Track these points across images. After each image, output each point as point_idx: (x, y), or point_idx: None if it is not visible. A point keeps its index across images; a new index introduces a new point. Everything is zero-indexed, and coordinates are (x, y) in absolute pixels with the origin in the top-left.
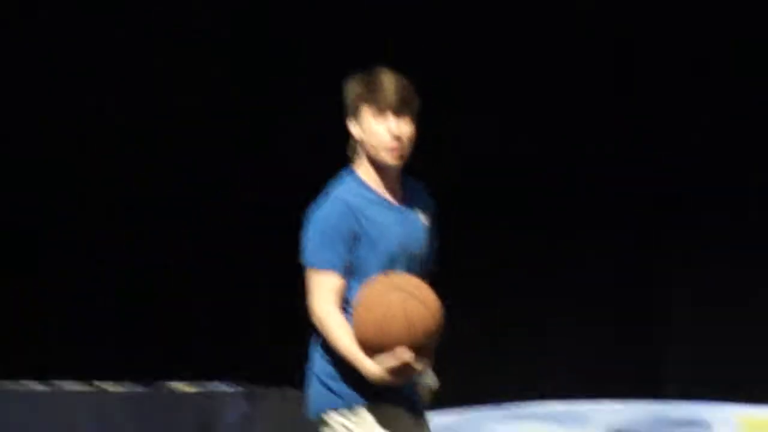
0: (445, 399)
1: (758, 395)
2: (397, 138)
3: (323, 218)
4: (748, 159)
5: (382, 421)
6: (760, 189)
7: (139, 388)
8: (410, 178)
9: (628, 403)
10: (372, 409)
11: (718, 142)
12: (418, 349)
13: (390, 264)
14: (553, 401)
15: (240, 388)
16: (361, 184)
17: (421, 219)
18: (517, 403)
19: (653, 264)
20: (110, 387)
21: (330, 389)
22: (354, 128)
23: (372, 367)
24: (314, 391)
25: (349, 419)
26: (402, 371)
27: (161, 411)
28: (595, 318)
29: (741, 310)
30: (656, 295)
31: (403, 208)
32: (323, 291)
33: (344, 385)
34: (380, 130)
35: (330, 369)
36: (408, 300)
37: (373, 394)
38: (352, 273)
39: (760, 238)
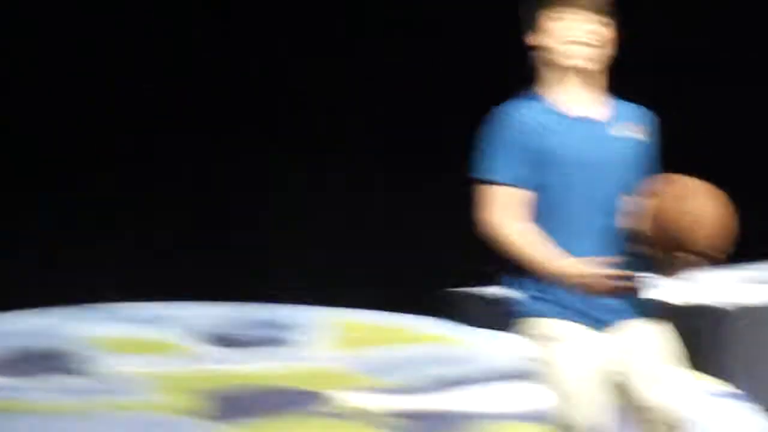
0: (37, 299)
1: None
2: (585, 35)
3: (494, 131)
4: None
5: (551, 334)
6: None
7: None
8: (621, 99)
9: (210, 305)
10: (542, 323)
11: None
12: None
13: (581, 181)
14: (136, 303)
15: None
16: (540, 99)
17: (626, 132)
18: (106, 304)
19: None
20: None
21: (518, 299)
22: (534, 39)
23: (550, 265)
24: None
25: (525, 330)
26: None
27: None
28: (180, 222)
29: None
30: (234, 202)
31: (596, 121)
32: (492, 204)
33: (525, 296)
34: (563, 28)
35: (519, 279)
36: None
37: (543, 309)
38: (544, 201)
39: None
